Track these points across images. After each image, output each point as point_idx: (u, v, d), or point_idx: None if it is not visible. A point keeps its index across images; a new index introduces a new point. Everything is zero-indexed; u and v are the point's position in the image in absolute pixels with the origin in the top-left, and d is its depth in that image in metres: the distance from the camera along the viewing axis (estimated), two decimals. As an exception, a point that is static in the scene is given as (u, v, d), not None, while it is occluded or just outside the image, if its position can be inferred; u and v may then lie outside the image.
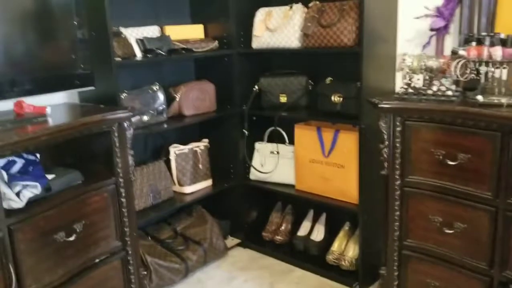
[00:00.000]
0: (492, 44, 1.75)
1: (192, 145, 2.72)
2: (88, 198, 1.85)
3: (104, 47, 2.05)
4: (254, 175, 2.83)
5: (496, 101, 1.69)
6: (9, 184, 1.60)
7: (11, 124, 1.66)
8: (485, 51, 1.74)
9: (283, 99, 2.65)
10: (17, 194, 1.59)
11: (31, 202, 1.64)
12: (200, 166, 2.73)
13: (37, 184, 1.64)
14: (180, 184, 2.67)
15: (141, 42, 2.28)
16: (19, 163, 1.70)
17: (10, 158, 1.69)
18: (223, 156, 2.86)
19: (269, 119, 2.71)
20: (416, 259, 1.94)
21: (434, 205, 1.84)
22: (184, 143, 2.70)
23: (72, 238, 1.76)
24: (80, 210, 1.82)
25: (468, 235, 1.76)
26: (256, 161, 2.83)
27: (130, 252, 2.03)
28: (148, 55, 2.29)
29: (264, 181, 2.80)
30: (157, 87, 2.44)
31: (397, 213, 1.93)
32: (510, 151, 1.61)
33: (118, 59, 2.14)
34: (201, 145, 2.75)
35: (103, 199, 1.91)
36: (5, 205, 1.56)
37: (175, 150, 2.63)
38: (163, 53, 2.32)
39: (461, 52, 1.80)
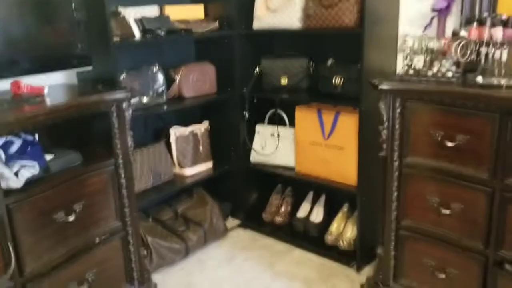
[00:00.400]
0: (493, 25, 1.73)
1: (193, 127, 2.72)
2: (87, 179, 1.86)
3: (103, 28, 2.03)
4: (254, 157, 2.84)
5: (495, 82, 1.68)
6: (7, 164, 1.61)
7: (8, 104, 1.67)
8: (486, 32, 1.72)
9: (284, 81, 2.64)
10: (16, 174, 1.60)
11: (30, 182, 1.65)
12: (201, 148, 2.73)
13: (36, 164, 1.65)
14: (181, 166, 2.68)
15: (140, 22, 2.26)
16: (17, 143, 1.71)
17: (8, 138, 1.69)
18: (224, 138, 2.86)
19: (270, 101, 2.70)
20: (413, 239, 1.95)
21: (431, 186, 1.84)
22: (185, 125, 2.70)
23: (71, 218, 1.78)
24: (79, 191, 1.83)
25: (464, 216, 1.77)
26: (256, 143, 2.83)
27: (130, 232, 2.05)
28: (147, 35, 2.28)
29: (265, 164, 2.80)
30: (157, 68, 2.43)
31: (395, 193, 1.94)
32: (508, 132, 1.60)
33: (116, 39, 2.13)
34: (202, 127, 2.75)
35: (102, 180, 1.93)
36: (3, 184, 1.57)
37: (175, 132, 2.64)
38: (162, 34, 2.31)
39: (462, 33, 1.79)
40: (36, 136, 1.81)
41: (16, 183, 1.59)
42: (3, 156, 1.61)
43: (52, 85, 2.01)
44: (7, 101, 1.69)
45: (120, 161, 1.97)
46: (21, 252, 1.61)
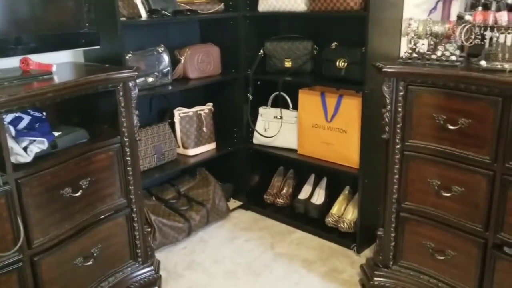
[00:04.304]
0: (499, 9, 1.73)
1: (197, 108, 2.74)
2: (94, 156, 1.89)
3: (110, 7, 2.05)
4: (257, 139, 2.86)
5: (499, 66, 1.69)
6: (16, 139, 1.64)
7: (17, 80, 1.69)
8: (491, 16, 1.73)
9: (288, 63, 2.65)
10: (24, 149, 1.63)
11: (38, 158, 1.68)
12: (204, 129, 2.76)
13: (44, 139, 1.67)
14: (184, 147, 2.70)
15: (146, 2, 2.27)
16: (26, 119, 1.74)
17: (17, 114, 1.72)
18: (227, 120, 2.88)
19: (274, 84, 2.72)
20: (413, 221, 1.98)
21: (433, 169, 1.86)
22: (189, 106, 2.72)
23: (78, 194, 1.81)
24: (86, 167, 1.86)
25: (465, 198, 1.79)
26: (259, 125, 2.86)
27: (134, 209, 2.09)
28: (153, 15, 2.29)
29: (267, 146, 2.83)
30: (162, 49, 2.44)
31: (397, 176, 1.96)
32: (510, 116, 1.61)
33: (123, 19, 2.14)
34: (206, 108, 2.77)
35: (108, 158, 1.95)
36: (13, 159, 1.60)
37: (179, 112, 2.66)
38: (168, 14, 2.32)
39: (467, 17, 1.79)
40: (44, 113, 1.84)
41: (25, 158, 1.62)
42: (12, 131, 1.64)
43: (60, 63, 2.03)
44: (16, 78, 1.70)
45: (126, 139, 1.99)
46: (29, 226, 1.65)
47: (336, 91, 2.52)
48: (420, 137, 1.89)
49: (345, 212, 2.61)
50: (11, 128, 1.65)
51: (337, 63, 2.39)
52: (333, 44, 2.48)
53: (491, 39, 1.74)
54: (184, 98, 2.82)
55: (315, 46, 2.61)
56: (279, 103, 2.74)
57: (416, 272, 2.04)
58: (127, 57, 2.25)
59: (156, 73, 2.41)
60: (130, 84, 1.95)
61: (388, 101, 1.91)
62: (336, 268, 2.36)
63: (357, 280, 2.25)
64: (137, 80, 2.01)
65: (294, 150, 2.73)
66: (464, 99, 1.73)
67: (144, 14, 2.29)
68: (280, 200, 2.89)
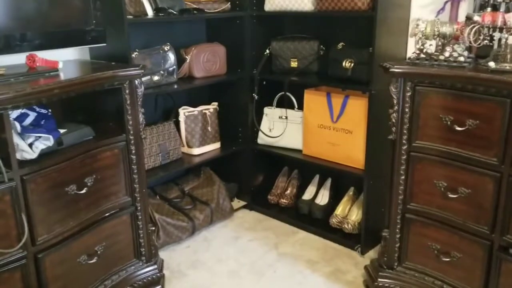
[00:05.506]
0: (508, 10, 1.73)
1: (202, 107, 2.73)
2: (99, 153, 1.89)
3: (116, 5, 2.04)
4: (262, 139, 2.85)
5: (508, 67, 1.68)
6: (22, 135, 1.64)
7: (24, 77, 1.69)
8: (500, 17, 1.72)
9: (294, 63, 2.64)
10: (30, 146, 1.63)
11: (43, 155, 1.67)
12: (209, 128, 2.75)
13: (50, 136, 1.67)
14: (189, 146, 2.70)
15: (153, 0, 2.27)
16: (32, 116, 1.73)
17: (23, 111, 1.71)
18: (232, 119, 2.88)
19: (279, 84, 2.71)
20: (418, 222, 1.97)
21: (439, 170, 1.85)
22: (194, 105, 2.72)
23: (83, 192, 1.80)
24: (91, 165, 1.85)
25: (471, 200, 1.78)
26: (264, 125, 2.85)
27: (139, 208, 2.08)
28: (160, 14, 2.28)
29: (272, 146, 2.82)
30: (168, 48, 2.44)
31: (403, 177, 1.95)
32: (518, 117, 1.61)
33: (129, 17, 2.14)
34: (211, 107, 2.77)
35: (114, 155, 1.95)
36: (18, 156, 1.59)
37: (184, 111, 2.66)
38: (175, 12, 2.31)
39: (476, 18, 1.78)
40: (50, 110, 1.83)
41: (31, 154, 1.62)
42: (18, 127, 1.63)
43: (66, 60, 2.03)
44: (23, 74, 1.70)
45: (131, 137, 1.99)
46: (33, 222, 1.64)
47: (342, 91, 2.51)
48: (427, 138, 1.87)
49: (349, 213, 2.60)
50: (17, 125, 1.64)
51: (344, 63, 2.38)
52: (340, 44, 2.48)
53: (499, 40, 1.73)
54: (189, 97, 2.82)
55: (322, 46, 2.60)
56: (285, 103, 2.74)
57: (421, 274, 2.02)
58: (133, 55, 2.25)
59: (162, 72, 2.41)
60: (136, 82, 1.95)
61: (395, 101, 1.90)
62: (340, 269, 2.35)
63: (361, 281, 2.24)
64: (143, 78, 2.01)
65: (299, 151, 2.72)
66: (472, 100, 1.72)
67: (150, 12, 2.28)
68: (284, 201, 2.89)
